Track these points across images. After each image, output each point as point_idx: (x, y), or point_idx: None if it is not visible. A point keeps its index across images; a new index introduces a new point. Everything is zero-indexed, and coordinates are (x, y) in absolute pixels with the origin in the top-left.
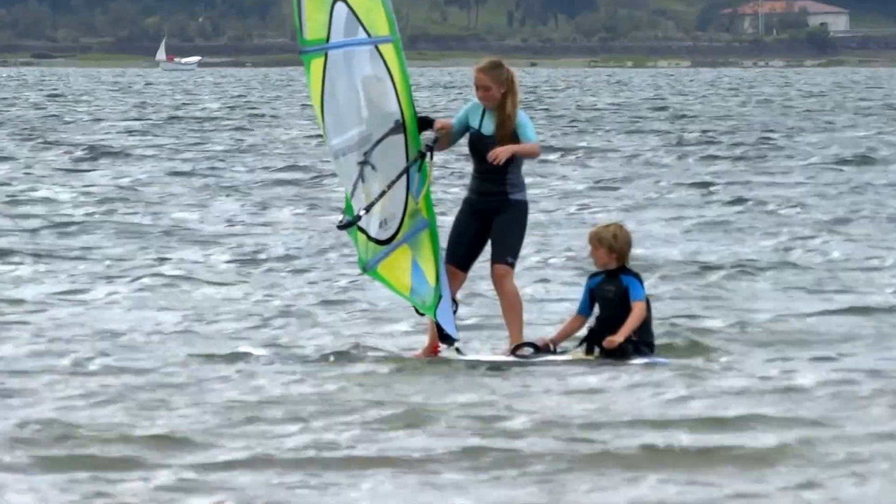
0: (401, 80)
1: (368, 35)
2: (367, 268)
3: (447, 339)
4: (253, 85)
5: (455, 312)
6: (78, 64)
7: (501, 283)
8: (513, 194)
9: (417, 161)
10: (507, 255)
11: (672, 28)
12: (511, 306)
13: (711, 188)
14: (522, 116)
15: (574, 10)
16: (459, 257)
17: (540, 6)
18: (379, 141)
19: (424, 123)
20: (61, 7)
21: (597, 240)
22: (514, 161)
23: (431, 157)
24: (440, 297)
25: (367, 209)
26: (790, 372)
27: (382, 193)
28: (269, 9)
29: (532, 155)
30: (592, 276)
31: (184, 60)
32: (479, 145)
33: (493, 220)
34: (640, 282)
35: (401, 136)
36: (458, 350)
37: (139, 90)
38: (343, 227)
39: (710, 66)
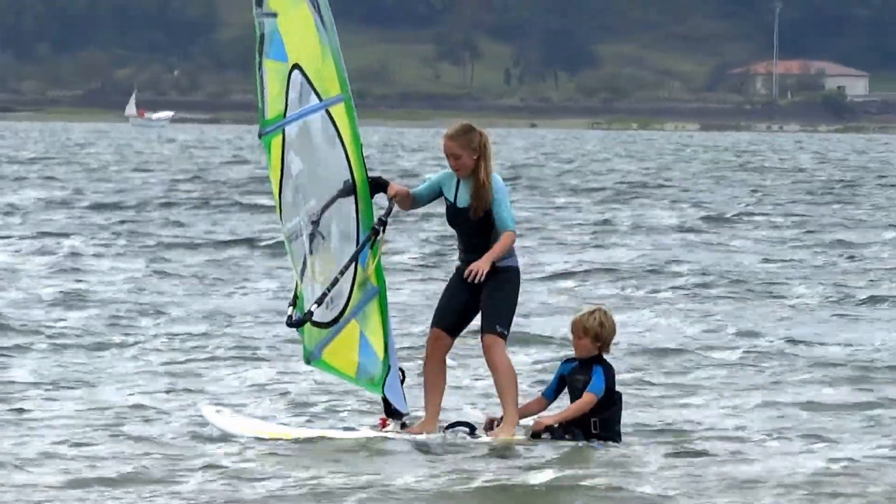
0: (351, 140)
1: (320, 99)
2: (312, 358)
3: (395, 414)
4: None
5: (402, 382)
6: (44, 118)
7: (491, 354)
8: (500, 262)
9: (370, 240)
10: (495, 323)
11: (679, 88)
12: (503, 380)
13: None
14: (498, 184)
15: (575, 68)
16: (447, 322)
17: (539, 63)
18: (328, 205)
19: (377, 186)
20: (26, 56)
21: (582, 329)
22: (494, 230)
23: (384, 232)
24: (388, 369)
25: (319, 302)
26: None
27: (335, 282)
28: (250, 62)
29: (508, 250)
30: (566, 361)
31: (154, 116)
32: (457, 219)
33: (482, 289)
34: (609, 374)
35: (350, 199)
36: (403, 425)
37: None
38: (294, 324)
39: (720, 130)
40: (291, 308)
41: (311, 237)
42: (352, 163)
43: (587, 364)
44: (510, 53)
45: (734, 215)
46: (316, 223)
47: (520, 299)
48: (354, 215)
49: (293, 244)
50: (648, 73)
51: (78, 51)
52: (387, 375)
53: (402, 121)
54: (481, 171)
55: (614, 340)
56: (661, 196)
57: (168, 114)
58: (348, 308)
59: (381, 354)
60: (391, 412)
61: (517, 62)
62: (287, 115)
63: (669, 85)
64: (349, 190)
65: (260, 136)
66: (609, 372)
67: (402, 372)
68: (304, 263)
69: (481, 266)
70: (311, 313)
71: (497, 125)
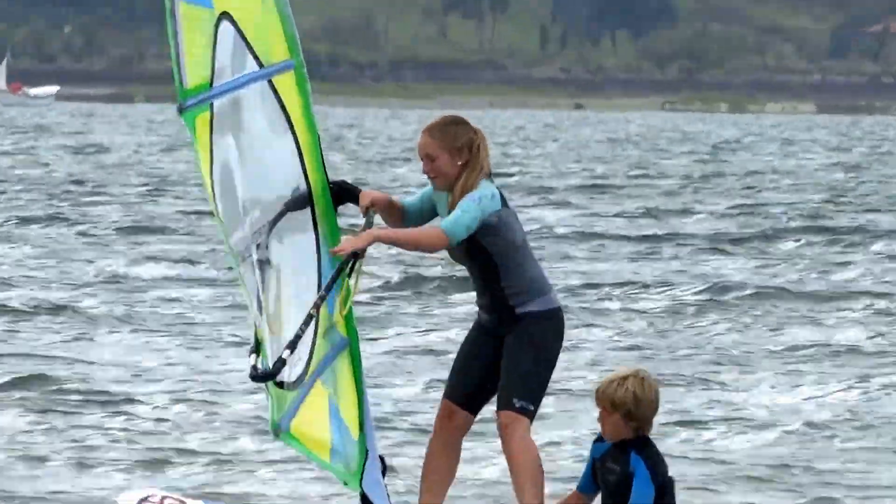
0: (304, 128)
1: (261, 64)
2: (281, 430)
3: None
4: None
5: (384, 474)
6: None
7: (506, 437)
8: (521, 306)
9: (344, 268)
10: (513, 395)
11: (791, 54)
12: (521, 474)
13: None
14: (477, 192)
15: (641, 27)
16: (461, 392)
17: (589, 19)
18: (275, 221)
19: (342, 194)
20: None
21: (609, 402)
22: (496, 260)
23: (361, 257)
24: (366, 455)
25: (293, 346)
26: None
27: (310, 318)
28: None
29: (418, 245)
30: (598, 439)
31: (33, 92)
32: (450, 248)
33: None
34: (655, 468)
35: (305, 213)
36: None
37: None
38: (260, 378)
39: (845, 112)
40: (254, 356)
41: (261, 266)
42: (305, 160)
43: (622, 448)
44: (548, 5)
45: (769, 233)
46: (263, 247)
47: None
48: (313, 236)
49: (243, 266)
50: (747, 32)
51: None
52: (364, 464)
53: (391, 98)
54: (459, 184)
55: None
56: (694, 201)
57: (51, 89)
58: (312, 363)
59: (354, 433)
60: None
61: (557, 17)
62: (214, 84)
63: (777, 49)
64: (302, 200)
65: (180, 110)
66: (655, 464)
67: (383, 461)
68: (260, 304)
69: (346, 245)
70: (283, 361)
71: (529, 105)
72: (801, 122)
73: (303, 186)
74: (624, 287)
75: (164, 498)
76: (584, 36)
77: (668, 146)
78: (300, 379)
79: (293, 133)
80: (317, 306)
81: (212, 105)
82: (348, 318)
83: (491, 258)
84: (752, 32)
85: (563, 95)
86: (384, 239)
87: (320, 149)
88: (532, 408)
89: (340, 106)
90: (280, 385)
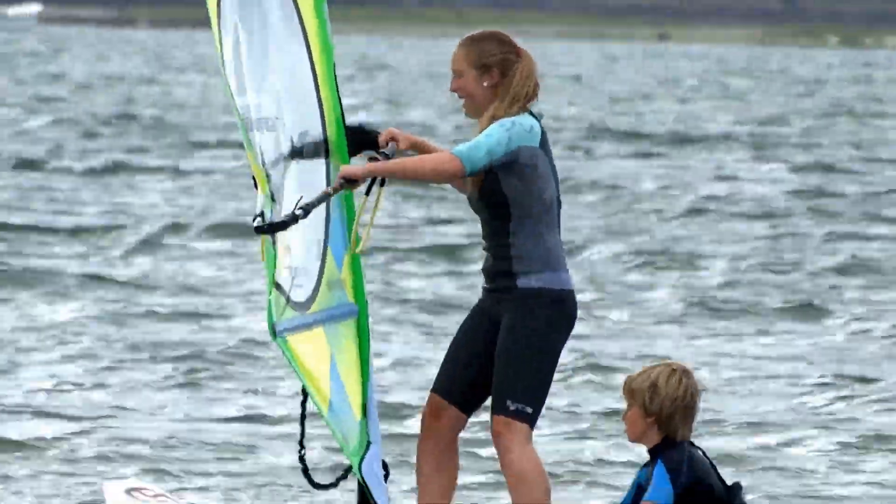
0: (319, 46)
1: None
2: (277, 332)
3: None
4: None
5: (386, 478)
6: None
7: (500, 448)
8: (525, 276)
9: (341, 191)
10: (507, 396)
11: None
12: (518, 488)
13: None
14: (506, 120)
15: None
16: (449, 386)
17: None
18: (283, 160)
19: (360, 140)
20: None
21: (628, 391)
22: (511, 209)
23: (380, 184)
24: (368, 445)
25: (307, 210)
26: None
27: (326, 196)
28: None
29: (424, 173)
30: (646, 464)
31: (13, 11)
32: (469, 198)
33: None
34: (676, 470)
35: (319, 165)
36: None
37: None
38: (266, 229)
39: None
40: (260, 197)
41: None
42: (321, 90)
43: (653, 458)
44: None
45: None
46: (278, 173)
47: None
48: (325, 182)
49: (251, 133)
50: None
51: None
52: (365, 454)
53: (422, 26)
54: (490, 113)
55: (694, 419)
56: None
57: (33, 8)
58: (315, 302)
59: (357, 413)
60: None
61: None
62: None
63: None
64: (316, 148)
65: None
66: (677, 465)
67: (386, 467)
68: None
69: (348, 170)
70: (295, 217)
71: (606, 36)
72: None
73: (313, 131)
74: None
75: (156, 494)
76: None
77: None
78: (303, 306)
79: (308, 49)
80: (335, 189)
81: None
82: (357, 285)
83: (507, 206)
84: None
85: (644, 25)
86: (380, 171)
87: (335, 79)
88: (530, 410)
89: (371, 34)
90: (283, 294)
